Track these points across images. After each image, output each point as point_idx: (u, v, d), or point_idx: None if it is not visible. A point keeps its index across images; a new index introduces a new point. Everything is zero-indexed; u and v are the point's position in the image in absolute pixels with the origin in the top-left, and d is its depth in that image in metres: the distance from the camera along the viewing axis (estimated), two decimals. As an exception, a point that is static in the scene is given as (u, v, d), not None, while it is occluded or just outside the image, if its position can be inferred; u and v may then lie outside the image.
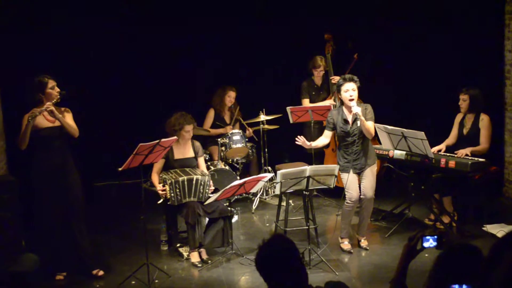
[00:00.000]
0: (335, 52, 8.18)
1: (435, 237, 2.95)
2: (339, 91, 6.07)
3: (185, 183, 6.11)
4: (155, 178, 6.34)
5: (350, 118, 6.06)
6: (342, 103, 6.17)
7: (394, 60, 8.79)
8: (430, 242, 2.95)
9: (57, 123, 5.60)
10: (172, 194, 6.10)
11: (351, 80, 5.99)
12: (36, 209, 5.75)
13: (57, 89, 5.61)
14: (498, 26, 7.32)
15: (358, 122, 5.94)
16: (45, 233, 5.71)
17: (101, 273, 5.84)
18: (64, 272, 5.81)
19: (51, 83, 5.59)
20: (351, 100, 5.96)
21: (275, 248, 2.84)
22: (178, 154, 6.45)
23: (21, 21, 7.66)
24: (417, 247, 2.96)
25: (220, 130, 8.17)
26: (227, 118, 8.35)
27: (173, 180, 6.08)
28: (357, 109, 5.90)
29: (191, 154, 6.54)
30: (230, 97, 8.23)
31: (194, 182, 6.15)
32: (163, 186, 6.16)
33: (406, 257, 2.97)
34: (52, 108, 5.50)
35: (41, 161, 5.60)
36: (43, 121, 5.57)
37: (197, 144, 6.66)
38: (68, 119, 5.70)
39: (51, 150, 5.58)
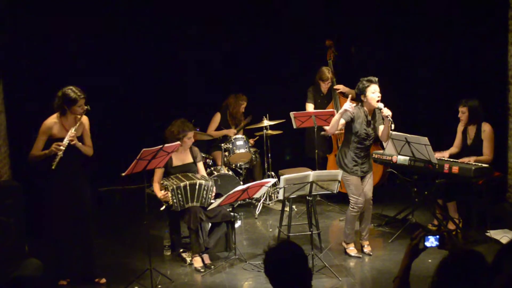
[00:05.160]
0: (337, 58, 8.18)
1: (437, 236, 2.96)
2: (363, 92, 5.94)
3: (188, 188, 6.11)
4: (156, 187, 6.31)
5: (371, 121, 6.08)
6: (362, 105, 6.07)
7: (396, 65, 8.80)
8: (431, 242, 2.96)
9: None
10: (175, 200, 6.09)
11: (376, 82, 5.95)
12: (48, 216, 5.74)
13: (84, 107, 5.56)
14: (501, 32, 7.31)
15: (378, 125, 6.04)
16: (54, 239, 5.72)
17: (103, 281, 5.83)
18: (67, 279, 5.80)
19: (81, 102, 5.52)
20: (379, 101, 5.93)
21: (287, 254, 2.86)
22: (177, 161, 6.43)
23: (24, 31, 7.70)
24: (420, 246, 2.97)
25: (224, 132, 8.19)
26: (233, 125, 8.35)
27: (174, 186, 6.06)
28: (388, 111, 5.88)
29: (189, 160, 6.52)
30: (244, 105, 8.27)
31: (197, 187, 6.14)
32: (165, 192, 6.16)
33: (409, 256, 2.99)
34: (76, 141, 5.48)
35: (56, 170, 5.53)
36: (62, 130, 5.53)
37: (195, 149, 6.64)
38: (86, 134, 5.69)
39: (67, 159, 5.53)
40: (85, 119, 5.71)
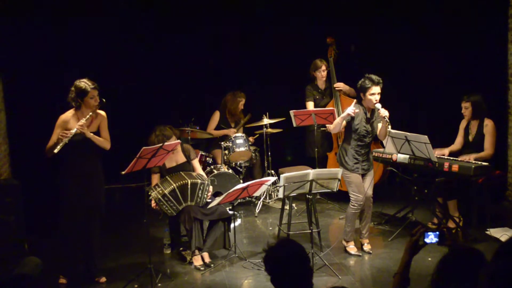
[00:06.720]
0: (337, 56, 8.18)
1: (437, 233, 2.96)
2: (363, 91, 5.94)
3: (176, 191, 6.05)
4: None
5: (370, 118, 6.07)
6: (361, 102, 6.06)
7: (396, 63, 8.79)
8: (431, 238, 2.96)
9: (90, 128, 5.58)
10: (167, 208, 6.06)
11: (378, 83, 5.92)
12: (58, 212, 5.73)
13: (97, 99, 5.57)
14: (501, 30, 7.31)
15: (377, 123, 6.02)
16: (60, 235, 5.72)
17: (103, 279, 5.83)
18: (67, 276, 5.79)
19: (93, 93, 5.52)
20: (375, 103, 5.92)
21: (289, 252, 2.85)
22: (170, 163, 6.37)
23: (24, 29, 7.70)
24: (420, 243, 2.97)
25: (224, 131, 8.19)
26: (232, 122, 8.35)
27: (160, 196, 6.01)
28: (385, 112, 5.86)
29: (183, 159, 6.46)
30: (242, 102, 8.26)
31: (189, 186, 6.10)
32: (155, 204, 6.11)
33: (409, 252, 2.99)
34: (85, 130, 5.48)
35: (70, 166, 5.56)
36: (76, 125, 5.52)
37: (187, 147, 6.59)
38: (103, 128, 5.70)
39: (82, 154, 5.54)
40: (102, 113, 5.72)
